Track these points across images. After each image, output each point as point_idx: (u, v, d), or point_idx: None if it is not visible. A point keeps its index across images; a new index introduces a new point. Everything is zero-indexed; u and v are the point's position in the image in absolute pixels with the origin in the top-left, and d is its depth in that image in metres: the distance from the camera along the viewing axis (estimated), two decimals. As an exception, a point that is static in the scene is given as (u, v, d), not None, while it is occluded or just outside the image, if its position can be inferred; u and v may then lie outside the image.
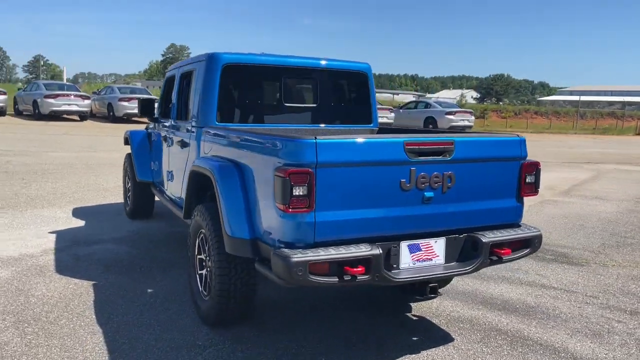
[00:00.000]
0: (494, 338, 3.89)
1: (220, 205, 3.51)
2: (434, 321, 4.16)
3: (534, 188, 3.67)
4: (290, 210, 2.94)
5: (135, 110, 18.28)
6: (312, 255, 2.92)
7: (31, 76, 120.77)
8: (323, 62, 4.87)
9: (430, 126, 25.13)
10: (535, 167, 3.64)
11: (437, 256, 3.37)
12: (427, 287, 3.38)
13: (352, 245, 3.07)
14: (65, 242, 5.93)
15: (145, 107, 5.95)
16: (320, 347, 3.66)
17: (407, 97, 53.20)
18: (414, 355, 3.59)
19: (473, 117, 26.41)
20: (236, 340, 3.70)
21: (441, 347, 3.72)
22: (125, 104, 23.52)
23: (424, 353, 3.62)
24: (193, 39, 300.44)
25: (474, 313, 4.33)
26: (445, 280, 4.57)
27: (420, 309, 4.38)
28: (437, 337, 3.89)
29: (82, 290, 4.54)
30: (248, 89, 4.82)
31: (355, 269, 3.00)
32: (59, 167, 11.04)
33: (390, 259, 3.21)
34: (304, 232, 3.00)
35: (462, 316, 4.26)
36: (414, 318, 4.22)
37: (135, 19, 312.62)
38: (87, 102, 23.57)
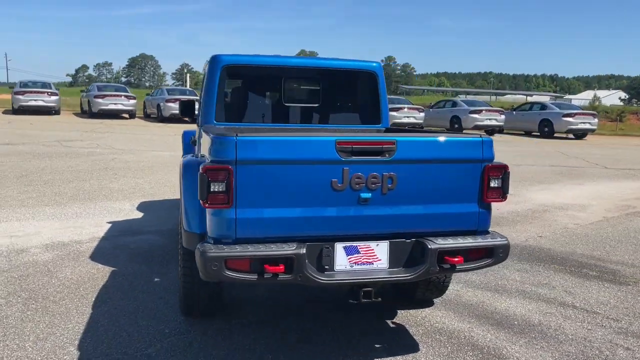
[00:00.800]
0: (463, 353, 3.61)
1: (181, 200, 3.66)
2: (411, 330, 3.96)
3: (501, 193, 3.35)
4: (207, 205, 3.00)
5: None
6: (227, 251, 2.96)
7: (178, 83, 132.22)
8: (327, 62, 4.83)
9: (546, 129, 23.47)
10: (502, 171, 3.33)
11: (379, 260, 3.22)
12: (360, 291, 3.21)
13: (277, 243, 3.05)
14: (114, 232, 6.49)
15: (185, 108, 6.30)
16: (275, 345, 3.67)
17: (542, 99, 49.35)
18: (364, 362, 3.47)
19: (596, 120, 24.09)
20: (200, 332, 3.83)
21: (400, 357, 3.55)
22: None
23: (376, 361, 3.48)
24: (322, 44, 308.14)
25: (461, 326, 4.05)
26: (439, 290, 4.32)
27: (405, 316, 4.20)
28: (404, 346, 3.71)
29: (99, 275, 4.96)
30: (248, 90, 4.94)
31: (275, 267, 2.99)
32: (152, 165, 12.01)
33: (322, 259, 3.14)
34: (225, 228, 3.04)
35: (445, 328, 4.01)
36: (392, 325, 4.06)
37: (268, 27, 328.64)
38: (203, 105, 25.34)
